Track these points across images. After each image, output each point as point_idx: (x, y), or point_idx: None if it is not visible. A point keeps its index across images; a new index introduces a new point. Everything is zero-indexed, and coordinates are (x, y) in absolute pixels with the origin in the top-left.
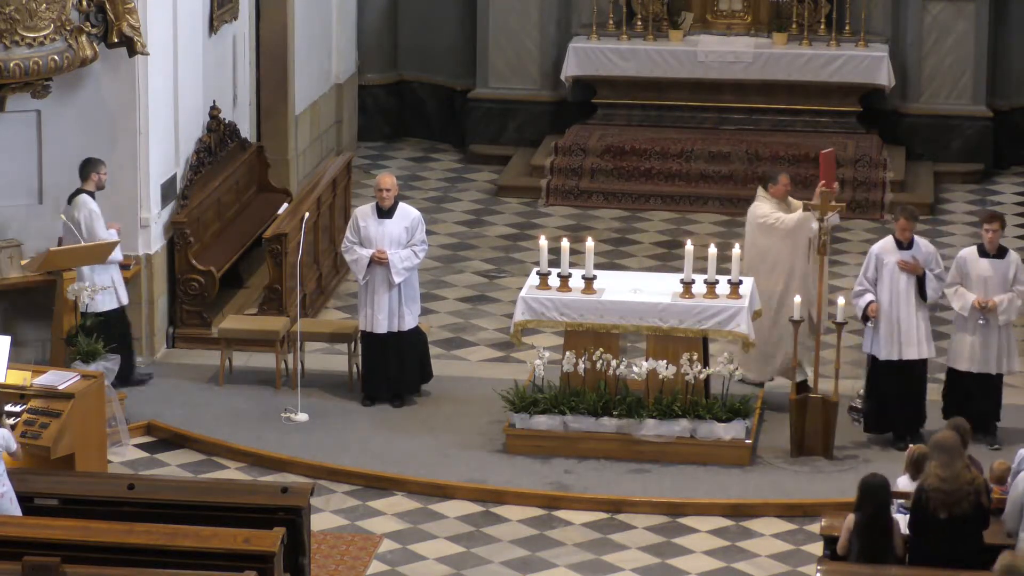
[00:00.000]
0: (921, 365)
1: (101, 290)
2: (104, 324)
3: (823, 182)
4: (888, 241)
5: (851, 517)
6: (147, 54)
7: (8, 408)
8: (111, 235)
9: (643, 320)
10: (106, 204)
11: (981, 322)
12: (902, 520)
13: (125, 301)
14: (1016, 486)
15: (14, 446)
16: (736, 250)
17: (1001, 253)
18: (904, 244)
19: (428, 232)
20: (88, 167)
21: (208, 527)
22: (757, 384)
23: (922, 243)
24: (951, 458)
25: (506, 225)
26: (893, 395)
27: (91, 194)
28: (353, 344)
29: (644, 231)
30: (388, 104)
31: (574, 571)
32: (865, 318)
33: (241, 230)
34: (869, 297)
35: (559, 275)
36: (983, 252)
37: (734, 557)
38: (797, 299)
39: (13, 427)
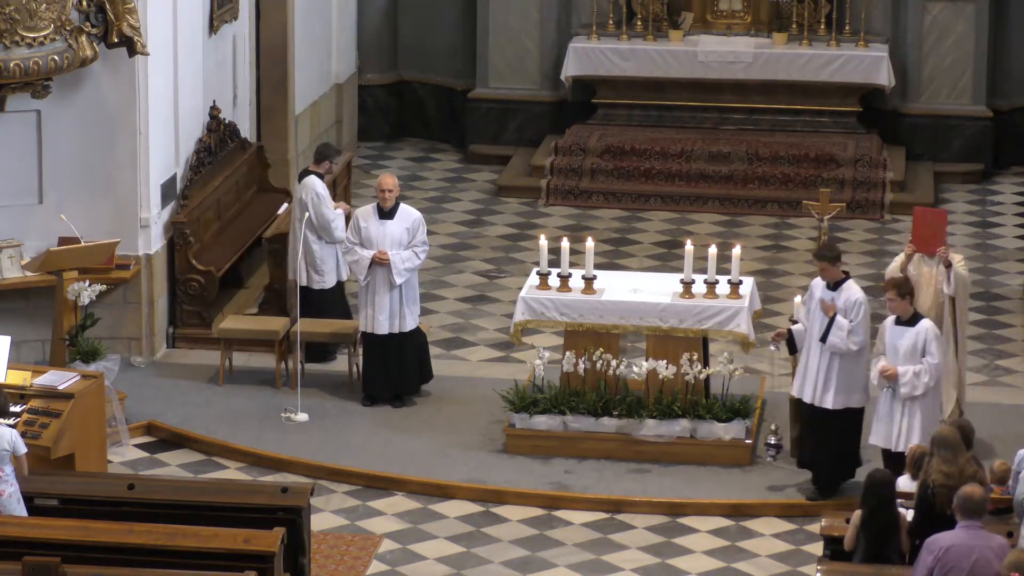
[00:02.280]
0: (815, 411)
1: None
2: (326, 298)
3: (911, 241)
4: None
5: (857, 513)
6: (147, 54)
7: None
8: (338, 215)
9: (643, 320)
10: (106, 204)
11: (884, 390)
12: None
13: (344, 277)
14: (1020, 485)
15: (22, 448)
16: (736, 250)
17: (913, 321)
18: (829, 284)
19: (428, 232)
20: (325, 152)
21: (208, 527)
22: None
23: (850, 289)
24: (954, 454)
25: (506, 225)
26: (806, 435)
27: (320, 176)
28: (353, 344)
29: (644, 231)
30: (388, 104)
31: (574, 571)
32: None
33: (241, 230)
34: (796, 327)
35: (559, 275)
36: (898, 319)
37: (734, 557)
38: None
39: (13, 427)
